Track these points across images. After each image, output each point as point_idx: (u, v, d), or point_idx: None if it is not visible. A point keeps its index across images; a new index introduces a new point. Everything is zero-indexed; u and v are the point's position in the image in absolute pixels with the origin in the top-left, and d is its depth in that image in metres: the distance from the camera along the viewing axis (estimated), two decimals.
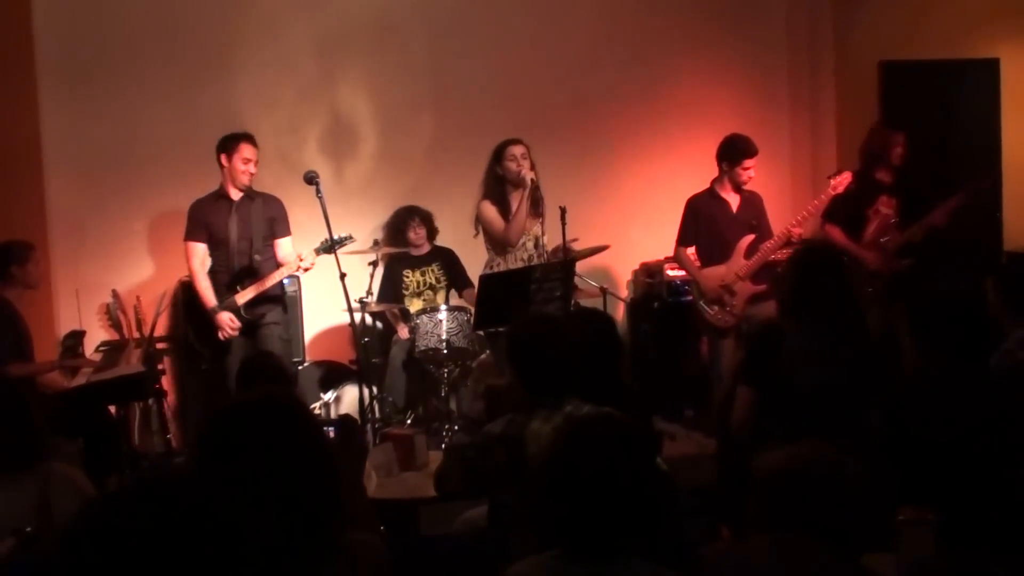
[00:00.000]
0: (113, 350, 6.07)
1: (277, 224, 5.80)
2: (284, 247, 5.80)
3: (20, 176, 6.31)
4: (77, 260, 6.62)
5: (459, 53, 7.23)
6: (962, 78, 7.71)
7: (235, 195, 5.70)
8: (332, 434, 3.10)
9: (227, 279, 5.70)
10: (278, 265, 5.71)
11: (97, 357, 5.96)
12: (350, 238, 5.61)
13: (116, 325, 6.39)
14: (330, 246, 5.52)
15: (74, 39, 6.62)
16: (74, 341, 6.12)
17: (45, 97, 6.47)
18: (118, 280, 6.57)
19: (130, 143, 6.70)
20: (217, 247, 5.73)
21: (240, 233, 5.69)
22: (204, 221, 5.71)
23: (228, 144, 5.67)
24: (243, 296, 5.62)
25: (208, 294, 5.64)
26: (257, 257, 5.72)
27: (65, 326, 6.37)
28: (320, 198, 5.29)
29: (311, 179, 5.39)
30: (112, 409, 5.69)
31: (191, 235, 5.74)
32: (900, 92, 7.50)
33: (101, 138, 6.66)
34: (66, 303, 6.48)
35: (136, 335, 6.24)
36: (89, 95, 6.64)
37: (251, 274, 5.69)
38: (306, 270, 5.67)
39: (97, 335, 6.48)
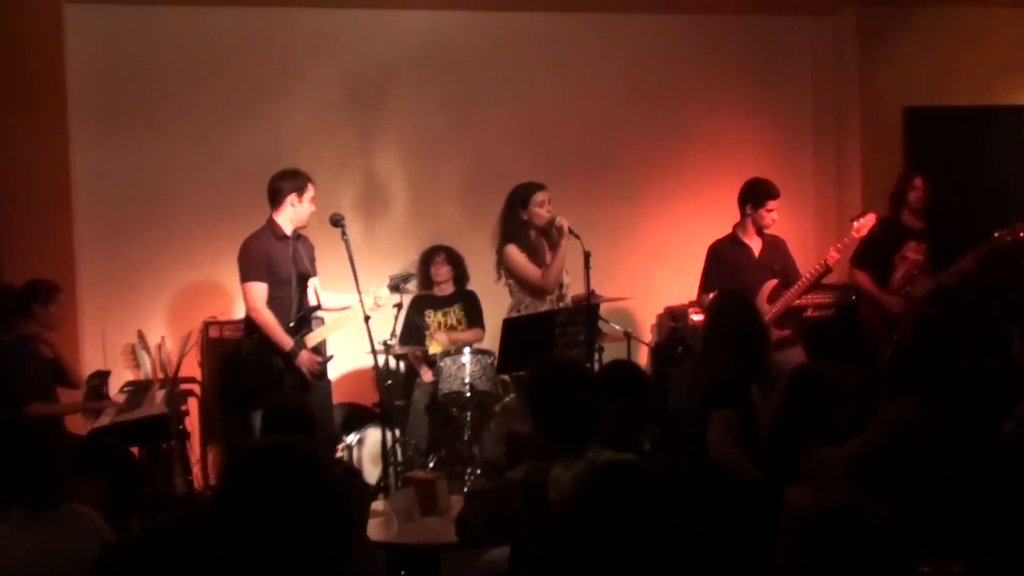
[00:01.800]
0: (137, 391, 6.07)
1: (313, 264, 5.67)
2: (315, 286, 5.67)
3: (50, 216, 6.39)
4: (104, 300, 6.69)
5: (486, 96, 7.33)
6: (988, 125, 7.68)
7: (290, 234, 5.50)
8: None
9: (288, 319, 5.42)
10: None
11: (121, 398, 5.96)
12: (413, 274, 5.69)
13: (141, 366, 6.43)
14: (397, 284, 5.54)
15: (107, 85, 6.76)
16: (99, 381, 6.14)
17: (76, 139, 6.57)
18: (144, 321, 6.63)
19: (159, 187, 6.81)
20: (281, 288, 5.42)
21: (298, 273, 5.48)
22: (267, 260, 5.38)
23: (298, 183, 5.45)
24: (315, 337, 5.45)
25: (283, 335, 5.32)
26: (310, 298, 5.55)
27: (90, 366, 6.41)
28: (345, 240, 5.28)
29: (337, 221, 5.35)
30: (135, 450, 5.69)
31: (254, 275, 5.36)
32: (925, 138, 7.49)
33: (130, 181, 6.77)
34: (92, 343, 6.53)
35: (161, 376, 6.27)
36: (120, 139, 6.76)
37: (307, 316, 5.52)
38: (381, 307, 5.54)
39: (122, 375, 6.52)
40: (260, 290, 5.35)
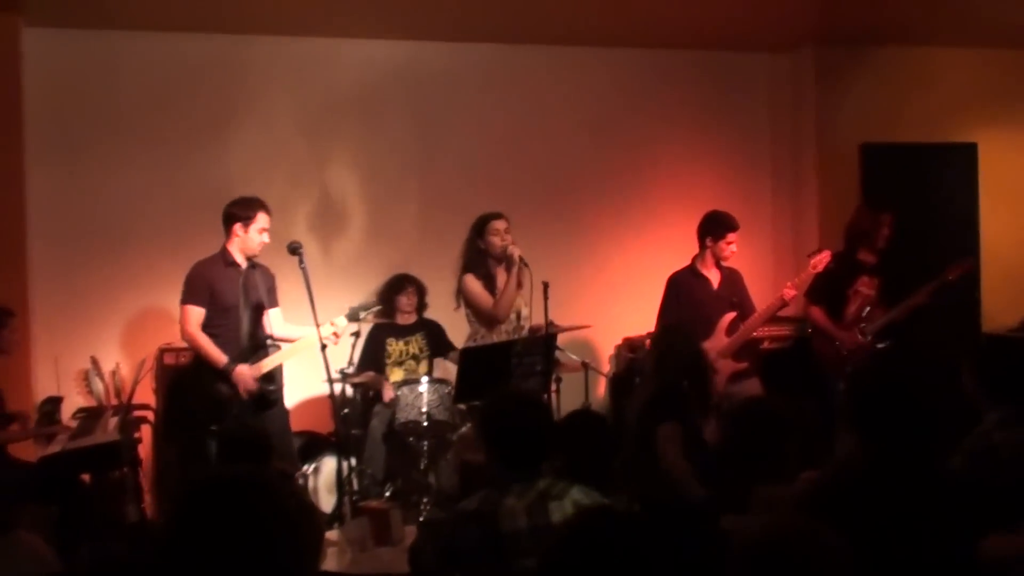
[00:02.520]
0: (90, 417, 6.01)
1: (272, 295, 5.67)
2: (277, 318, 5.68)
3: (3, 241, 6.31)
4: (57, 325, 6.61)
5: (447, 127, 7.37)
6: (941, 161, 7.83)
7: (243, 263, 5.51)
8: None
9: (234, 348, 5.42)
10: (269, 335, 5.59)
11: (74, 424, 5.90)
12: (376, 304, 5.74)
13: (94, 392, 6.35)
14: (355, 313, 5.54)
15: (64, 110, 6.71)
16: (51, 407, 6.06)
17: (32, 164, 6.50)
18: (98, 347, 6.55)
19: (115, 212, 6.77)
20: (224, 314, 5.43)
21: (250, 302, 5.49)
22: (210, 286, 5.41)
23: (246, 212, 5.44)
24: (267, 364, 5.43)
25: (217, 352, 5.32)
26: (266, 327, 5.57)
27: (42, 392, 6.32)
28: (303, 268, 5.27)
29: (294, 249, 5.35)
30: (87, 477, 5.62)
31: (192, 298, 5.41)
32: (880, 174, 7.63)
33: (86, 207, 6.73)
34: (44, 369, 6.45)
35: (114, 402, 6.21)
36: (76, 164, 6.72)
37: (259, 344, 5.53)
38: (338, 337, 5.53)
39: (75, 401, 6.43)
40: (195, 314, 5.40)
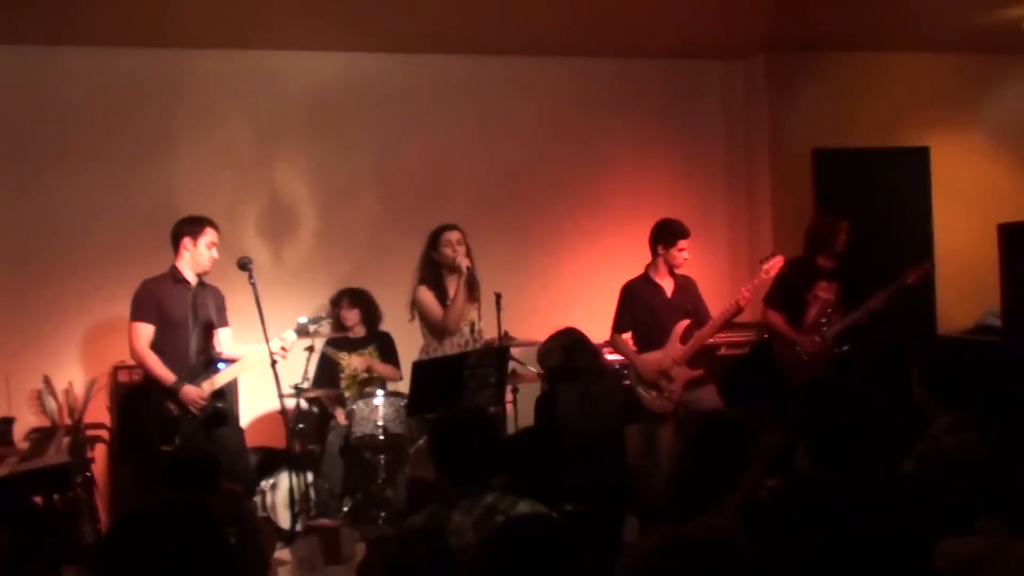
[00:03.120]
0: (43, 438, 5.91)
1: (222, 314, 5.64)
2: (227, 337, 5.64)
3: None
4: (8, 344, 6.52)
5: (399, 138, 7.33)
6: (893, 166, 7.89)
7: (192, 280, 5.48)
8: (232, 542, 3.00)
9: (183, 366, 5.38)
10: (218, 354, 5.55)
11: (26, 445, 5.81)
12: (325, 318, 5.78)
13: (47, 412, 6.26)
14: (304, 327, 5.52)
15: (12, 126, 6.62)
16: (3, 428, 6.00)
17: None
18: (51, 366, 6.46)
19: (64, 228, 6.69)
20: (173, 331, 5.39)
21: (199, 320, 5.45)
22: (157, 303, 5.38)
23: (193, 228, 5.43)
24: (218, 380, 5.39)
25: (164, 371, 5.30)
26: (216, 345, 5.53)
27: None
28: (252, 284, 5.24)
29: (244, 265, 5.32)
30: (39, 500, 5.52)
31: (140, 316, 5.37)
32: (833, 179, 7.67)
33: (35, 222, 6.64)
34: None
35: (68, 422, 6.12)
36: (26, 180, 6.64)
37: (208, 362, 5.48)
38: (286, 352, 5.49)
39: (28, 422, 6.34)
40: (143, 330, 5.37)
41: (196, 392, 5.30)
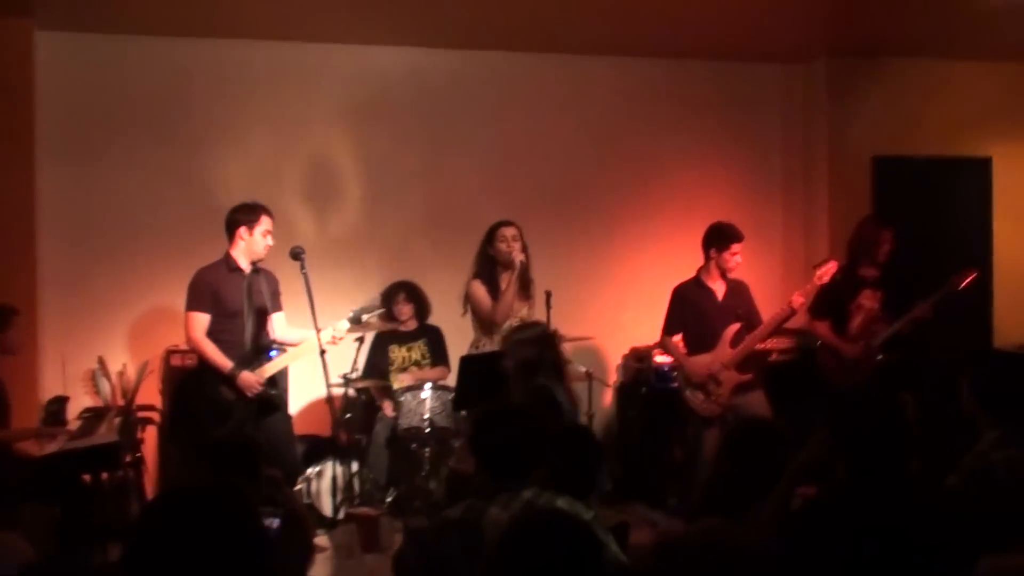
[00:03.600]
0: (95, 418, 6.01)
1: (276, 299, 5.70)
2: (280, 322, 5.71)
3: (12, 241, 6.35)
4: (65, 326, 6.65)
5: (455, 134, 7.35)
6: (954, 175, 7.77)
7: (247, 268, 5.55)
8: (276, 524, 3.04)
9: (239, 353, 5.48)
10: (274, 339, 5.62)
11: (77, 424, 5.92)
12: (378, 307, 5.77)
13: (101, 392, 6.37)
14: (357, 317, 5.58)
15: (76, 112, 6.75)
16: (57, 407, 6.09)
17: (43, 165, 6.54)
18: (105, 347, 6.57)
19: (123, 214, 6.81)
20: (230, 319, 5.48)
21: (254, 307, 5.53)
22: (214, 292, 5.46)
23: (249, 216, 5.50)
24: (271, 368, 5.47)
25: (222, 358, 5.39)
26: (270, 331, 5.60)
27: (49, 391, 6.35)
28: (304, 274, 5.30)
29: (296, 255, 5.39)
30: (88, 478, 5.63)
31: (197, 305, 5.47)
32: (892, 187, 7.57)
33: (95, 208, 6.77)
34: (51, 368, 6.48)
35: (120, 403, 6.22)
36: (87, 166, 6.76)
37: (263, 348, 5.56)
38: (338, 341, 5.58)
39: (81, 401, 6.44)
40: (200, 320, 5.45)
41: (254, 378, 5.39)
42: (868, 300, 6.19)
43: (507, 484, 3.15)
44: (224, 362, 5.40)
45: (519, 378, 4.90)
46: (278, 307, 5.74)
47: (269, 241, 5.54)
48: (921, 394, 5.44)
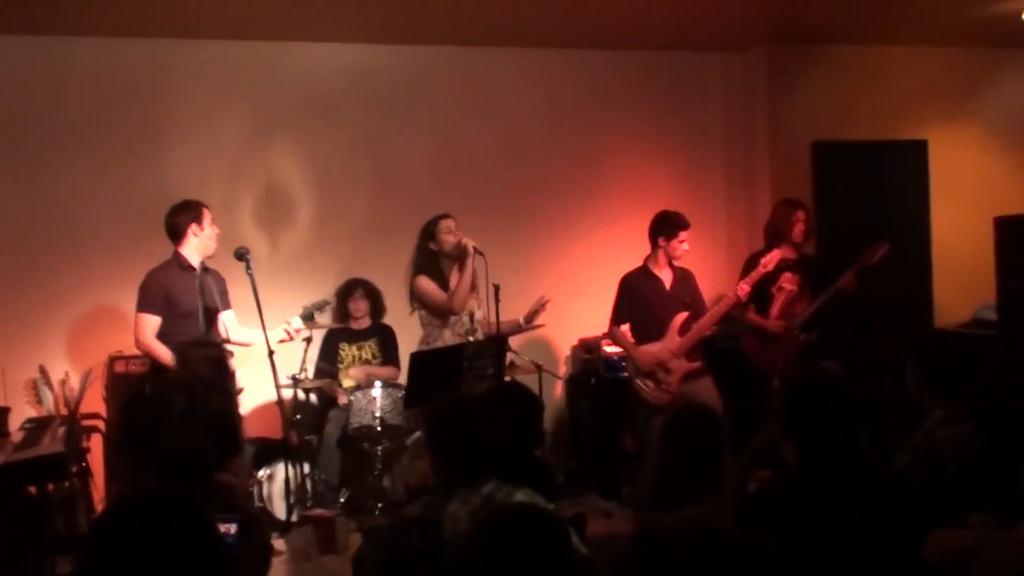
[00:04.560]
0: (38, 428, 5.88)
1: (225, 297, 5.66)
2: (231, 321, 5.66)
3: None
4: (3, 334, 6.51)
5: (397, 130, 7.32)
6: (892, 159, 7.88)
7: (198, 266, 5.48)
8: (233, 531, 3.00)
9: None
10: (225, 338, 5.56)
11: (21, 435, 5.80)
12: (327, 302, 5.78)
13: (43, 402, 6.26)
14: (310, 313, 5.56)
15: (10, 115, 6.60)
16: None
17: None
18: (46, 356, 6.46)
19: (59, 218, 6.68)
20: (184, 319, 5.41)
21: (206, 305, 5.47)
22: (166, 293, 5.39)
23: (194, 213, 5.46)
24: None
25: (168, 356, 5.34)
26: (221, 331, 5.55)
27: None
28: (250, 274, 5.25)
29: (241, 255, 5.33)
30: (33, 489, 5.52)
31: (147, 307, 5.38)
32: (832, 171, 7.66)
33: (29, 212, 6.63)
34: None
35: (64, 412, 6.12)
36: (22, 170, 6.63)
37: None
38: (291, 337, 5.59)
39: (23, 412, 6.33)
40: (150, 322, 5.39)
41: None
42: (788, 283, 6.28)
43: (466, 479, 3.14)
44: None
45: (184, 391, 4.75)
46: (227, 305, 5.69)
47: (216, 230, 5.54)
48: (856, 374, 5.56)
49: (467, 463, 3.19)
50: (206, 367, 4.81)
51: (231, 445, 4.50)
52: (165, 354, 5.34)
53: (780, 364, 6.13)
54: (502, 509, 2.77)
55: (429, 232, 5.86)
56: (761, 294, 6.25)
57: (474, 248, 5.69)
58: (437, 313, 5.80)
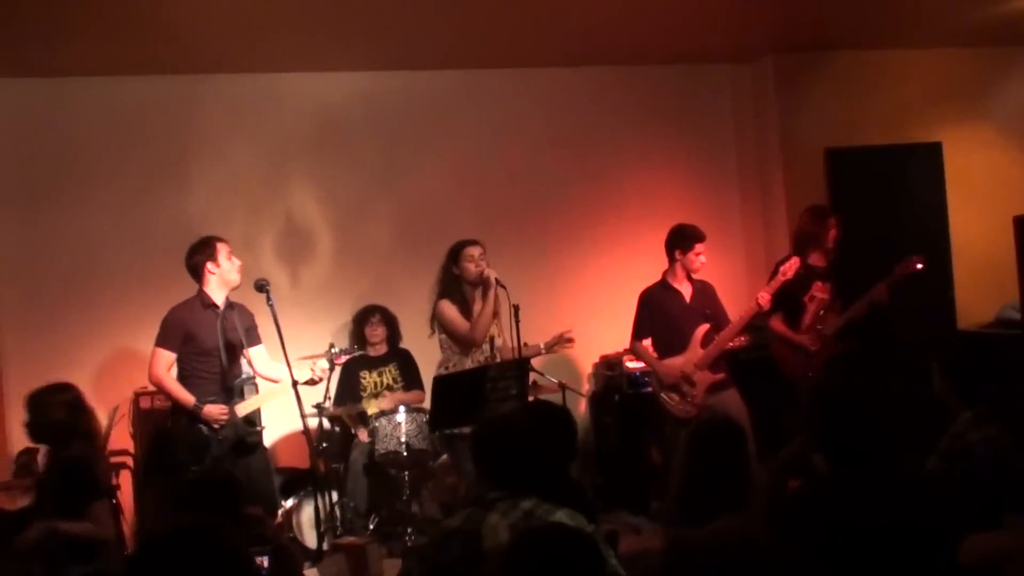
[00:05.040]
0: None
1: (252, 332, 5.60)
2: (261, 356, 5.61)
3: None
4: (30, 374, 6.48)
5: (412, 155, 7.35)
6: (906, 162, 7.86)
7: (221, 303, 5.47)
8: (266, 563, 3.01)
9: (216, 389, 5.40)
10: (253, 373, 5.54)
11: None
12: (357, 350, 5.81)
13: None
14: (335, 355, 5.56)
15: (24, 157, 6.68)
16: (27, 458, 5.99)
17: None
18: None
19: (78, 258, 6.74)
20: (205, 356, 5.41)
21: (228, 343, 5.45)
22: (187, 330, 5.38)
23: (207, 250, 5.44)
24: (245, 407, 5.39)
25: (184, 393, 5.33)
26: (246, 368, 5.53)
27: (19, 443, 6.24)
28: (271, 306, 5.24)
29: (261, 287, 5.32)
30: None
31: (164, 342, 5.40)
32: (846, 177, 7.65)
33: (52, 252, 6.69)
34: (19, 418, 6.34)
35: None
36: (40, 211, 6.70)
37: (236, 385, 5.48)
38: (324, 374, 5.55)
39: None
40: (164, 357, 5.40)
41: (217, 409, 5.32)
42: (820, 292, 6.24)
43: (506, 493, 3.14)
44: (187, 397, 5.33)
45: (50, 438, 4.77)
46: (256, 341, 5.63)
47: (237, 262, 5.49)
48: (884, 380, 5.53)
49: (508, 478, 3.20)
50: (62, 412, 4.73)
51: (90, 490, 4.52)
52: (175, 388, 5.36)
53: (811, 372, 6.11)
54: (542, 526, 2.77)
55: (454, 256, 5.80)
56: (793, 303, 6.23)
57: (496, 280, 5.65)
58: (458, 341, 5.77)
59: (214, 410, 5.33)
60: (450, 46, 6.85)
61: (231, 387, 5.45)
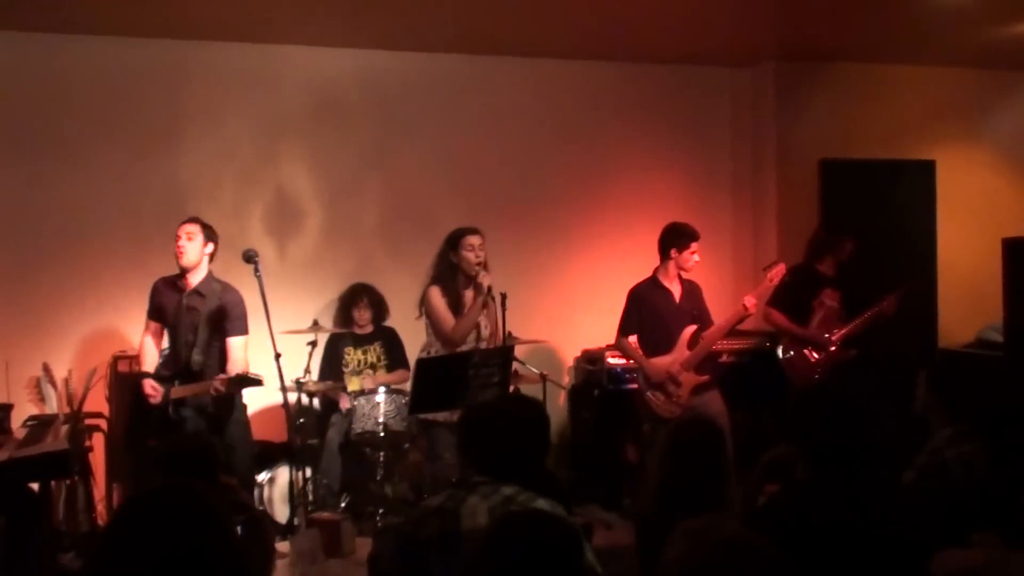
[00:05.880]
0: (40, 425, 5.87)
1: (229, 322, 5.40)
2: (235, 348, 5.40)
3: None
4: (8, 332, 6.49)
5: (405, 135, 7.32)
6: (899, 178, 7.89)
7: (188, 285, 5.43)
8: (239, 531, 3.00)
9: (172, 369, 5.44)
10: (222, 367, 5.37)
11: (23, 432, 5.79)
12: (259, 383, 5.21)
13: (46, 400, 6.26)
14: (239, 382, 5.21)
15: (16, 115, 6.58)
16: (1, 415, 5.97)
17: None
18: (50, 354, 6.45)
19: (67, 217, 6.66)
20: (171, 332, 5.54)
21: (186, 326, 5.41)
22: (156, 301, 5.58)
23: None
24: (177, 392, 5.34)
25: (144, 362, 5.50)
26: (197, 357, 5.39)
27: None
28: (258, 277, 5.23)
29: (250, 258, 5.31)
30: (36, 487, 5.51)
31: (148, 312, 5.63)
32: (839, 189, 7.67)
33: (38, 211, 6.61)
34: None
35: (66, 410, 6.11)
36: (30, 168, 6.61)
37: (189, 372, 5.40)
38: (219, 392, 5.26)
39: (26, 409, 6.32)
40: (146, 324, 5.64)
41: (149, 388, 5.37)
42: (830, 299, 6.31)
43: (488, 478, 3.14)
44: (144, 367, 5.52)
45: None
46: (236, 331, 5.43)
47: (183, 242, 5.39)
48: (879, 393, 5.57)
49: (491, 464, 3.19)
50: None
51: None
52: (140, 354, 5.59)
53: (817, 376, 6.19)
54: (522, 511, 2.77)
55: (453, 243, 5.63)
56: (801, 307, 6.29)
57: (488, 289, 5.49)
58: (439, 337, 5.63)
59: (147, 386, 5.40)
60: (452, 29, 6.82)
61: (190, 368, 5.39)
